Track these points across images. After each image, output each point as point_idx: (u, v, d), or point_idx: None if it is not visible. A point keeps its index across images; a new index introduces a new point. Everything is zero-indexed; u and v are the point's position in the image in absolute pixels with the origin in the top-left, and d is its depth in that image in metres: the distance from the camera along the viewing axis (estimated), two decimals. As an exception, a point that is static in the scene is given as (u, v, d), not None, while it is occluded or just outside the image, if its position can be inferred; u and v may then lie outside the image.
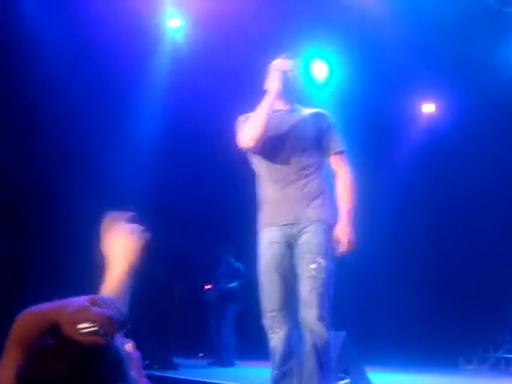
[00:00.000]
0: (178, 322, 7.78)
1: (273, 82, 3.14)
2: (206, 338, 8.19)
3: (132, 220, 1.59)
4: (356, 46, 7.98)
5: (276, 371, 2.96)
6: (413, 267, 9.78)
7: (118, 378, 1.19)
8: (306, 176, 3.11)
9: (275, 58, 3.21)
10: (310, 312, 2.91)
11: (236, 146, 3.19)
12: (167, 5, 7.74)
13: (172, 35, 8.11)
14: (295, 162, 3.11)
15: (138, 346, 1.45)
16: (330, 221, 3.08)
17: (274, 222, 3.09)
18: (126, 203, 1.74)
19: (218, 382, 5.17)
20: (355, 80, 8.41)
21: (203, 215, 9.62)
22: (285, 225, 3.06)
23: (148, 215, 1.72)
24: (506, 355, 7.85)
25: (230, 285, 7.87)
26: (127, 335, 1.35)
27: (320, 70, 8.55)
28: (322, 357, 2.91)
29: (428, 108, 9.96)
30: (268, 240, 3.08)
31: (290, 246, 3.06)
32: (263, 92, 3.17)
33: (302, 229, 3.04)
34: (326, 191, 3.16)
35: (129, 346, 1.40)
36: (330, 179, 3.22)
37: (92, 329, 1.09)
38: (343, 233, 3.04)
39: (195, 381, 5.31)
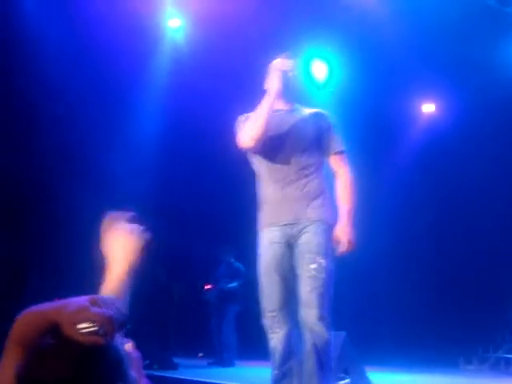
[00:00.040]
0: (178, 322, 7.77)
1: (273, 82, 3.14)
2: (206, 337, 8.19)
3: (132, 220, 1.59)
4: (356, 46, 7.98)
5: (276, 371, 2.96)
6: (413, 267, 9.77)
7: (118, 377, 1.19)
8: (306, 176, 3.11)
9: (275, 58, 3.20)
10: (310, 312, 2.91)
11: (236, 146, 3.18)
12: (167, 5, 7.75)
13: (172, 35, 8.12)
14: (295, 162, 3.11)
15: (138, 346, 1.45)
16: (330, 221, 3.08)
17: (274, 221, 3.09)
18: (126, 203, 1.74)
19: (217, 382, 5.16)
20: (355, 80, 8.41)
21: (203, 215, 9.63)
22: (285, 225, 3.06)
23: (148, 215, 1.72)
24: (506, 355, 7.85)
25: (230, 285, 7.87)
26: (127, 335, 1.35)
27: (320, 69, 8.55)
28: (322, 357, 2.90)
29: (428, 108, 9.95)
30: (268, 240, 3.08)
31: (290, 246, 3.05)
32: (263, 92, 3.17)
33: (302, 229, 3.04)
34: (326, 191, 3.16)
35: (129, 346, 1.40)
36: (329, 179, 3.22)
37: (92, 329, 1.09)
38: (343, 233, 3.04)
39: (195, 381, 5.31)
